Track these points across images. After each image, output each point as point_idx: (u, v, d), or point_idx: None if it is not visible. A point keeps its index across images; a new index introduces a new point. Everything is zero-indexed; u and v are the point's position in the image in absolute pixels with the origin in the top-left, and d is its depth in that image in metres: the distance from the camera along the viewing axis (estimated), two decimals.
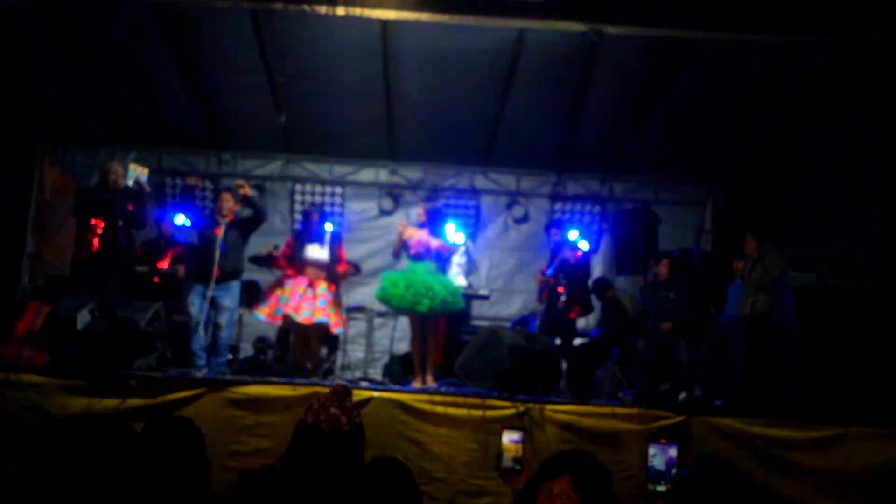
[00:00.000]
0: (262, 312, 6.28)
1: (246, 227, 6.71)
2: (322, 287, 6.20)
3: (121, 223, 6.40)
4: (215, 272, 6.30)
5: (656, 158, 8.96)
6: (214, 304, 6.46)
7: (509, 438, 2.55)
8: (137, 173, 6.35)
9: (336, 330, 6.46)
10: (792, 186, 8.03)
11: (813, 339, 5.33)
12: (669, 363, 6.19)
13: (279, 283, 6.32)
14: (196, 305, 6.41)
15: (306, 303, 6.10)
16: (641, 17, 6.11)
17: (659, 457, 2.20)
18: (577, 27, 6.23)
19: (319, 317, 6.12)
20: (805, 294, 5.46)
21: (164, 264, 7.25)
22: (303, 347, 6.35)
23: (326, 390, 2.53)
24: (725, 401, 5.34)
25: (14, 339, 6.10)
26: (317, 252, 6.35)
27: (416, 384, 5.99)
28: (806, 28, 5.97)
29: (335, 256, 6.43)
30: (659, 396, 5.46)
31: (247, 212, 6.83)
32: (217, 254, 6.36)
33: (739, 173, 8.90)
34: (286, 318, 6.16)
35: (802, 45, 6.49)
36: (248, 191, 6.64)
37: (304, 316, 6.07)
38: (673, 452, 2.20)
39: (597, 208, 9.44)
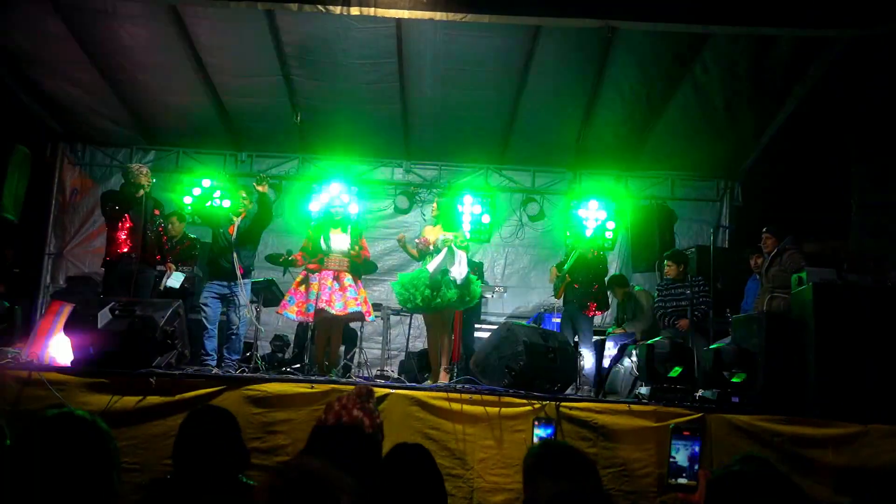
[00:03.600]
0: (292, 311, 6.20)
1: (256, 225, 6.75)
2: (348, 279, 6.18)
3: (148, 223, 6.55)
4: (239, 269, 6.36)
5: (672, 154, 8.90)
6: (228, 302, 6.52)
7: (540, 434, 2.53)
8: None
9: (369, 318, 6.42)
10: (810, 182, 7.95)
11: (833, 335, 5.26)
12: (687, 360, 6.15)
13: (304, 280, 6.25)
14: (211, 305, 6.47)
15: (336, 295, 6.07)
16: (657, 12, 6.06)
17: (682, 451, 2.17)
18: (592, 23, 6.19)
19: (353, 307, 6.09)
20: (825, 290, 5.38)
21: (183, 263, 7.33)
22: (325, 345, 6.35)
23: (344, 388, 2.53)
24: (743, 398, 5.29)
25: (36, 338, 6.19)
26: (340, 240, 6.27)
27: (432, 381, 6.01)
28: (824, 21, 5.89)
29: (357, 244, 6.36)
30: (676, 393, 5.42)
31: (255, 208, 6.83)
32: (233, 253, 6.42)
33: (757, 168, 8.83)
34: (320, 312, 6.04)
35: (820, 38, 6.41)
36: (265, 188, 6.66)
37: (337, 308, 6.03)
38: (696, 446, 2.17)
39: (612, 205, 9.40)
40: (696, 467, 2.19)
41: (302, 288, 6.22)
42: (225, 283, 6.49)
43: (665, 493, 4.69)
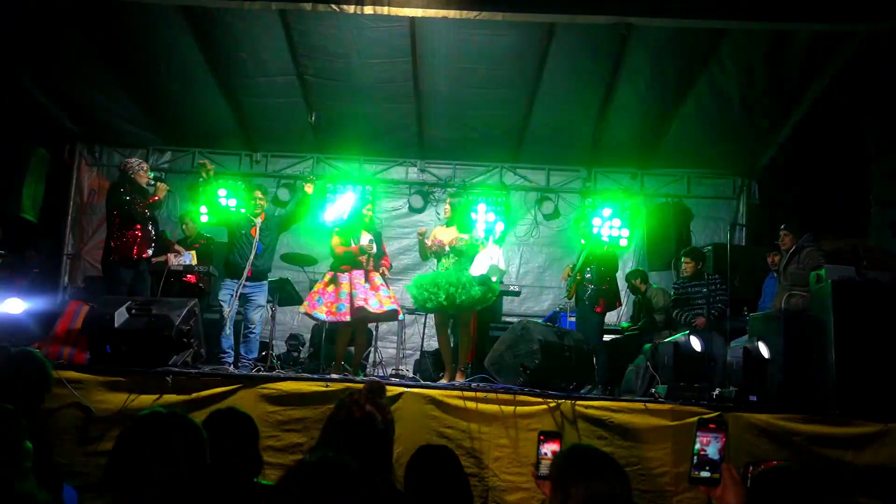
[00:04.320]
0: (321, 311, 6.10)
1: (281, 226, 6.80)
2: (378, 278, 6.21)
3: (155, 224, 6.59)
4: (247, 271, 6.38)
5: (688, 151, 8.84)
6: (246, 302, 6.55)
7: (549, 450, 2.45)
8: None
9: (400, 315, 6.51)
10: (828, 178, 7.86)
11: (852, 333, 5.19)
12: (703, 358, 6.10)
13: (333, 280, 6.19)
14: (228, 303, 6.51)
15: (371, 293, 6.10)
16: (673, 8, 6.01)
17: (713, 444, 2.14)
18: (607, 20, 6.16)
19: (389, 305, 6.14)
20: (844, 287, 5.31)
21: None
22: (346, 344, 6.33)
23: (359, 386, 2.52)
24: (761, 396, 5.23)
25: (55, 338, 6.24)
26: (367, 241, 6.28)
27: (445, 379, 5.99)
28: (839, 15, 5.82)
29: (380, 250, 6.39)
30: (693, 392, 5.37)
31: (279, 211, 6.93)
32: (252, 253, 6.44)
33: (774, 165, 8.74)
34: (359, 310, 5.99)
35: (837, 33, 6.34)
36: (311, 189, 6.75)
37: (374, 307, 6.04)
38: (722, 439, 2.15)
39: (628, 203, 9.35)
40: (721, 461, 2.16)
41: (331, 288, 6.15)
42: (239, 284, 6.51)
43: (681, 492, 4.66)
